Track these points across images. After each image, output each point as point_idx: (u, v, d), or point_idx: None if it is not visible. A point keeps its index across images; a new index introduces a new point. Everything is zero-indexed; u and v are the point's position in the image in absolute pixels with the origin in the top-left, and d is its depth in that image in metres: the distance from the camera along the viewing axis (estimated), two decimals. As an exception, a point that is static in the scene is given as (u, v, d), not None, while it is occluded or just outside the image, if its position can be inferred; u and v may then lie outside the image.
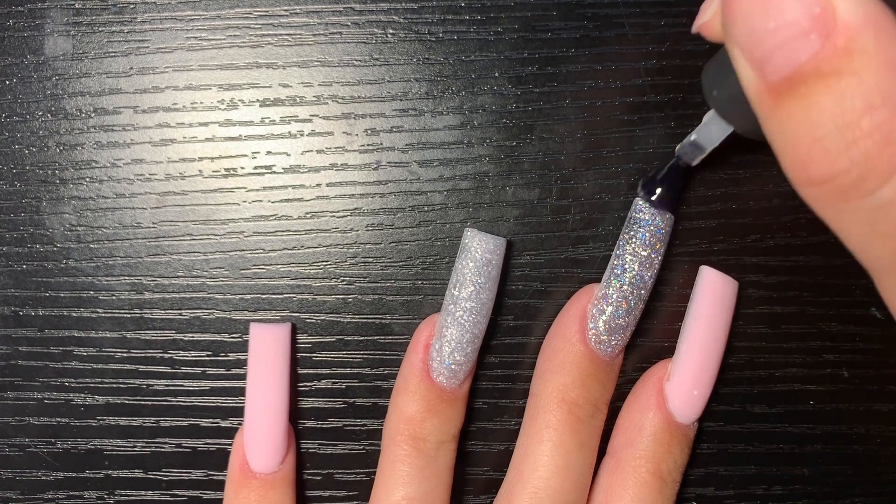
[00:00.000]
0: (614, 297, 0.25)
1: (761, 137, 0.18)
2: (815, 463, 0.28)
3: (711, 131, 0.24)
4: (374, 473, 0.28)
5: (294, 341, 0.28)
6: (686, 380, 0.26)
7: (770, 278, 0.28)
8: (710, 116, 0.24)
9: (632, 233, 0.26)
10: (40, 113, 0.28)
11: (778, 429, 0.28)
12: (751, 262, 0.28)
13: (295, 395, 0.28)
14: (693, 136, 0.24)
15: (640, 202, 0.26)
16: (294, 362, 0.28)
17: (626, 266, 0.25)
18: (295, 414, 0.28)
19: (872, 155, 0.15)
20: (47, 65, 0.28)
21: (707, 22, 0.20)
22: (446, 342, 0.25)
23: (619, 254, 0.26)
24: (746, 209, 0.27)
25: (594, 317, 0.26)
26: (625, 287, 0.25)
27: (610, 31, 0.27)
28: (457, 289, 0.26)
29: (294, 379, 0.28)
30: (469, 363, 0.26)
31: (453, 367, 0.25)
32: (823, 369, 0.28)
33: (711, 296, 0.26)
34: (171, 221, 0.28)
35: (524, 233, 0.28)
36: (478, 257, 0.25)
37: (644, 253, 0.25)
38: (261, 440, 0.26)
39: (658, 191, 0.25)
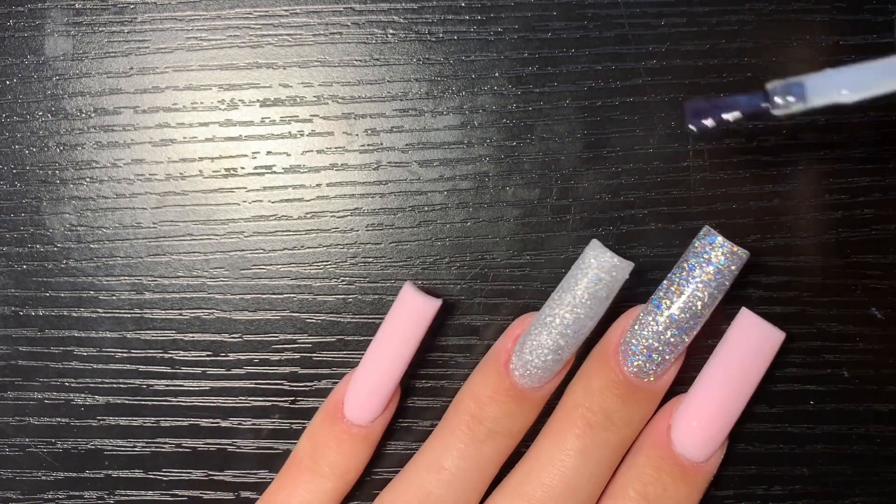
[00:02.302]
0: (654, 324, 0.25)
1: None
2: (815, 463, 0.28)
3: (857, 80, 0.18)
4: (374, 473, 0.28)
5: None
6: (689, 410, 0.25)
7: (770, 278, 0.28)
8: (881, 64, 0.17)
9: (693, 264, 0.25)
10: (40, 113, 0.28)
11: (778, 429, 0.28)
12: (751, 262, 0.28)
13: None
14: (806, 82, 0.18)
15: (715, 238, 0.24)
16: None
17: (675, 297, 0.25)
18: (298, 414, 0.28)
19: None
20: (47, 65, 0.28)
21: None
22: (530, 341, 0.25)
23: (674, 281, 0.25)
24: (746, 209, 0.28)
25: (627, 336, 0.25)
26: (665, 319, 0.25)
27: (610, 31, 0.27)
28: (560, 295, 0.25)
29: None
30: (546, 371, 0.25)
31: (528, 367, 0.25)
32: (823, 369, 0.28)
33: (740, 339, 0.25)
34: (172, 221, 0.28)
35: (524, 233, 0.28)
36: (590, 273, 0.24)
37: (699, 290, 0.24)
38: (363, 392, 0.26)
39: (708, 121, 0.20)
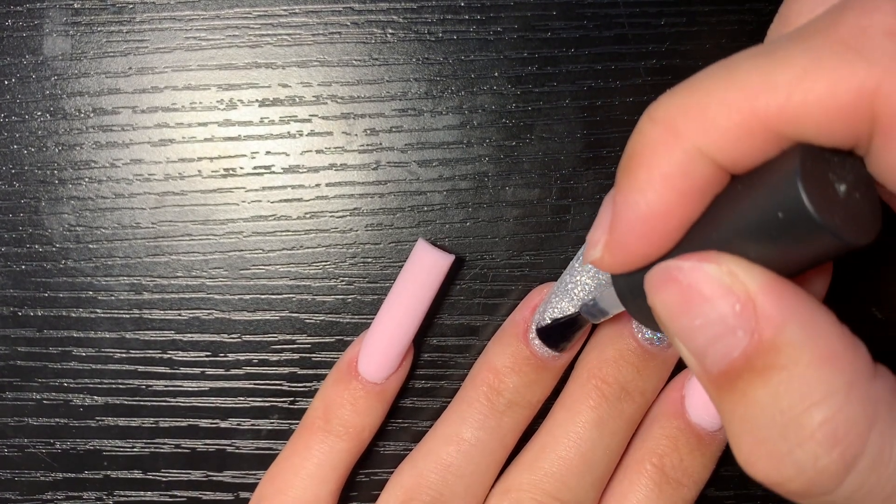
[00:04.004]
0: None
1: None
2: (816, 463, 0.28)
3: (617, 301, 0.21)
4: (373, 474, 0.28)
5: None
6: None
7: (770, 278, 0.28)
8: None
9: None
10: (39, 113, 0.28)
11: (778, 429, 0.28)
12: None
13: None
14: (599, 304, 0.23)
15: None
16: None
17: None
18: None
19: (820, 457, 0.14)
20: (46, 65, 0.28)
21: (597, 260, 0.18)
22: (550, 309, 0.25)
23: None
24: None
25: None
26: None
27: (610, 30, 0.27)
28: (578, 262, 0.25)
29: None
30: (567, 338, 0.25)
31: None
32: (824, 369, 0.28)
33: None
34: (170, 222, 0.28)
35: (524, 233, 0.28)
36: None
37: None
38: (377, 348, 0.26)
39: (550, 339, 0.25)
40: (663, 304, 0.16)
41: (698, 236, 0.16)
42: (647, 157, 0.16)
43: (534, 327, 0.25)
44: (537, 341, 0.25)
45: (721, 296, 0.15)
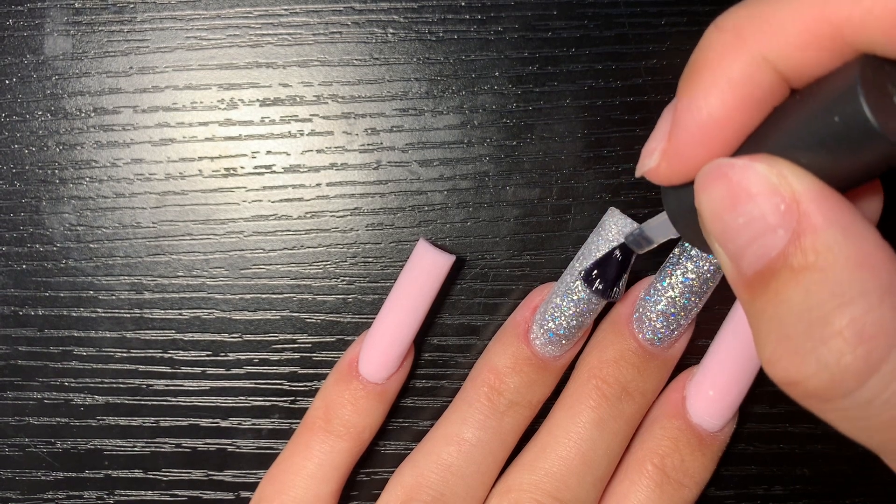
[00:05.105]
0: (664, 292, 0.25)
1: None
2: (816, 463, 0.28)
3: (665, 229, 0.22)
4: (373, 474, 0.28)
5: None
6: (705, 379, 0.26)
7: (770, 278, 0.28)
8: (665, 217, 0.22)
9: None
10: (40, 112, 0.28)
11: (778, 429, 0.28)
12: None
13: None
14: (645, 231, 0.22)
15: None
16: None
17: (674, 269, 0.25)
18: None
19: (844, 354, 0.14)
20: (47, 64, 0.28)
21: (653, 168, 0.18)
22: (551, 309, 0.25)
23: (674, 255, 0.25)
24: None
25: (642, 304, 0.25)
26: (673, 285, 0.25)
27: (610, 30, 0.27)
28: (579, 262, 0.25)
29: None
30: (568, 338, 0.25)
31: (550, 335, 0.25)
32: (824, 369, 0.28)
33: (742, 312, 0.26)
34: (171, 221, 0.28)
35: (524, 232, 0.28)
36: (609, 237, 0.25)
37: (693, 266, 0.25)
38: (378, 348, 0.26)
39: (599, 281, 0.24)
40: (710, 200, 0.16)
41: (754, 145, 0.16)
42: (713, 62, 0.16)
43: (581, 273, 0.25)
44: (539, 341, 0.25)
45: (767, 194, 0.15)
